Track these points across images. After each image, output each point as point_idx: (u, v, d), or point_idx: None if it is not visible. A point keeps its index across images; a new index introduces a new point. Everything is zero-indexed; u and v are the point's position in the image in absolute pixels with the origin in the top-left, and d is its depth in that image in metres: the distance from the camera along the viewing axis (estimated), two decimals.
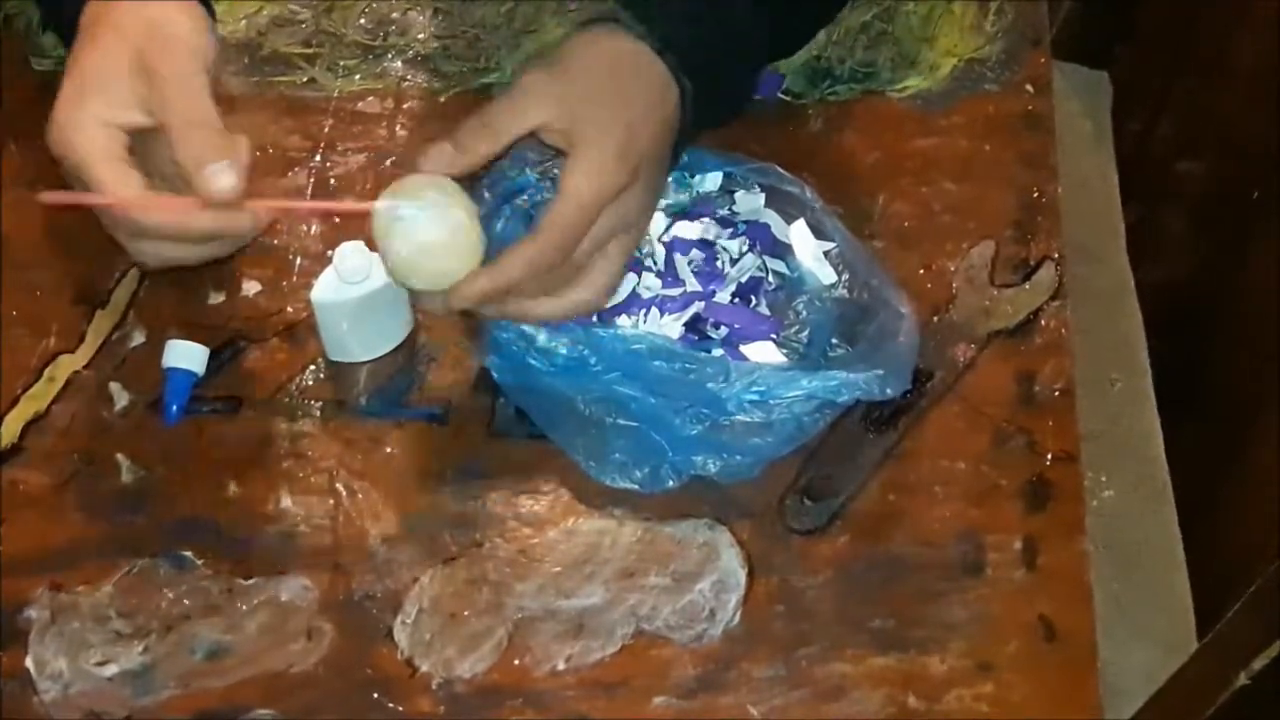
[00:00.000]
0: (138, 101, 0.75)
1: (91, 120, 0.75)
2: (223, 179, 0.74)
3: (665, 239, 0.90)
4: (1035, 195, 0.95)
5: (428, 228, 0.73)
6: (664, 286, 0.88)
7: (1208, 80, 1.21)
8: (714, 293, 0.87)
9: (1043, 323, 0.91)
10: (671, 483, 0.83)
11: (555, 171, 0.85)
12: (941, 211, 0.94)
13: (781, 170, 0.89)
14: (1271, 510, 1.02)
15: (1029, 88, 0.99)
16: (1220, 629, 0.81)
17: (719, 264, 0.88)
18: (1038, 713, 0.80)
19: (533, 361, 0.82)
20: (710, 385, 0.81)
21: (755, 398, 0.81)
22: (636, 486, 0.84)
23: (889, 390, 0.82)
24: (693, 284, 0.88)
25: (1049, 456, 0.87)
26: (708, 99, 0.81)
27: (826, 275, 0.88)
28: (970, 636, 0.81)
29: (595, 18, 0.82)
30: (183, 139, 0.74)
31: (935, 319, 0.91)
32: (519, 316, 0.79)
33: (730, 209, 0.90)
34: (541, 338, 0.81)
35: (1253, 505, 1.06)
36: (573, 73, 0.79)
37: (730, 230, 0.90)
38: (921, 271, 0.92)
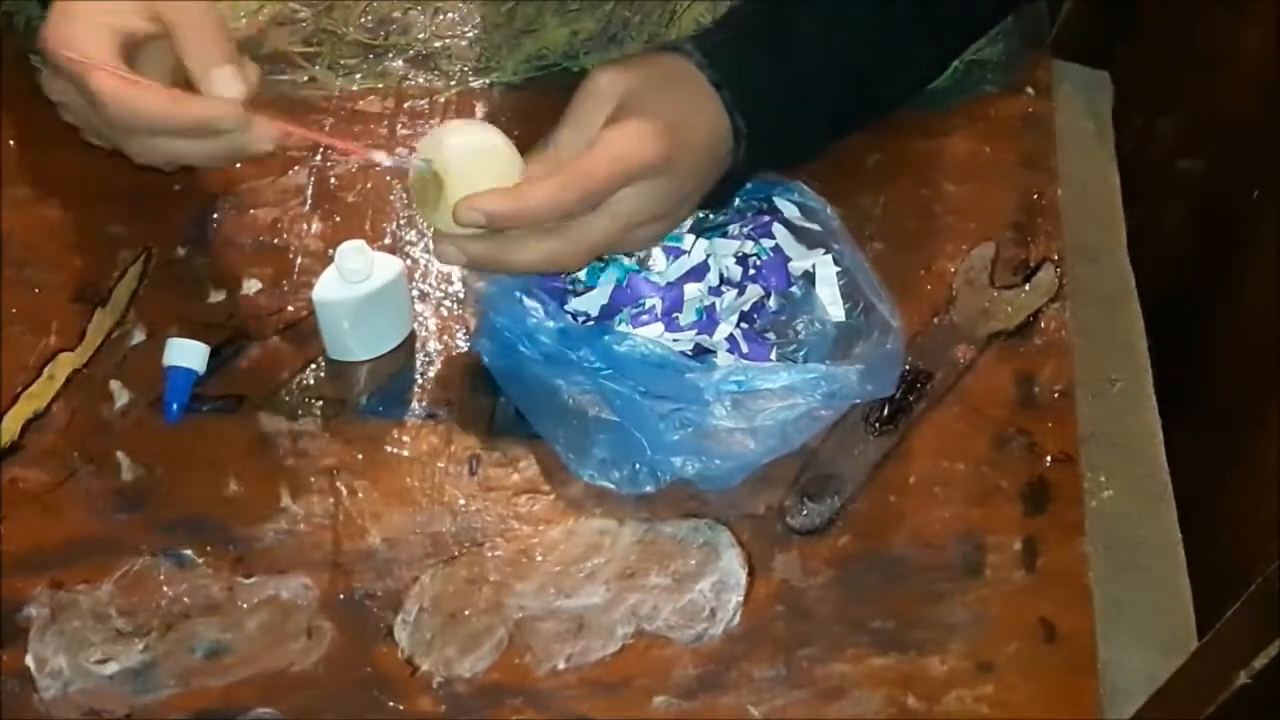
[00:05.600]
0: (138, 6, 0.77)
1: (88, 21, 0.76)
2: (232, 84, 0.76)
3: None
4: (1035, 197, 0.95)
5: (470, 149, 0.77)
6: (664, 312, 0.87)
7: (1209, 79, 1.21)
8: (716, 324, 0.87)
9: (1042, 324, 0.91)
10: (649, 486, 0.83)
11: None
12: (942, 213, 0.94)
13: (806, 187, 0.89)
14: (1272, 510, 1.02)
15: (1029, 89, 0.99)
16: (1220, 629, 0.80)
17: (720, 302, 0.88)
18: (1038, 713, 0.80)
19: (522, 349, 0.82)
20: (689, 375, 0.81)
21: (734, 388, 0.81)
22: (613, 486, 0.84)
23: (870, 388, 0.82)
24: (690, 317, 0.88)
25: (1049, 458, 0.87)
26: (763, 141, 0.83)
27: (837, 314, 0.87)
28: (970, 637, 0.81)
29: (662, 46, 0.84)
30: (193, 42, 0.76)
31: (935, 320, 0.91)
32: (500, 263, 0.79)
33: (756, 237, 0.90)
34: (531, 323, 0.82)
35: (1253, 505, 1.06)
36: (639, 73, 0.80)
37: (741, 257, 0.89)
38: (921, 273, 0.92)
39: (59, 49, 0.77)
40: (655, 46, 0.86)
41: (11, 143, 0.95)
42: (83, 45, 0.76)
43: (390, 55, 1.00)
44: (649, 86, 0.79)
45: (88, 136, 0.85)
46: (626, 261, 0.88)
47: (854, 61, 0.86)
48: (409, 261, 0.91)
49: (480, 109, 0.98)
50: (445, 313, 0.90)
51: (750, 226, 0.90)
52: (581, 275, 0.88)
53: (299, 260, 0.92)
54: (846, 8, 0.86)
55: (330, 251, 0.85)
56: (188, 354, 0.86)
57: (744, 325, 0.87)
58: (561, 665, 0.80)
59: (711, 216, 0.89)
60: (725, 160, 0.83)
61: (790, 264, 0.89)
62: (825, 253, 0.89)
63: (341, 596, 0.82)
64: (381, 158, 0.80)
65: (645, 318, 0.86)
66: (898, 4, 0.87)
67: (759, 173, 0.87)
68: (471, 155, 0.77)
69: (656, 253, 0.88)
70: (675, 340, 0.85)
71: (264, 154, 0.79)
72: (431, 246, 0.92)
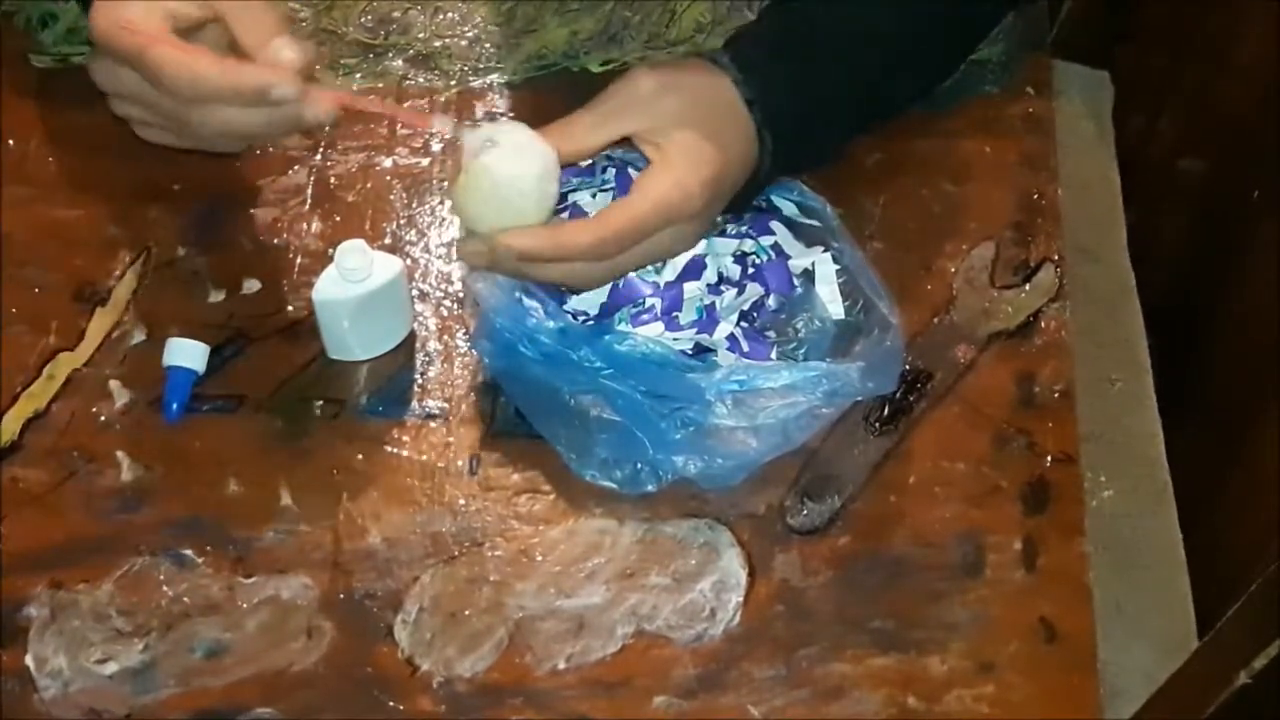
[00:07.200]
0: None
1: (137, 6, 0.77)
2: (287, 51, 0.76)
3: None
4: (1035, 197, 0.95)
5: (514, 160, 0.76)
6: (664, 311, 0.87)
7: (1209, 79, 1.21)
8: (716, 323, 0.87)
9: (1043, 324, 0.91)
10: (651, 486, 0.83)
11: (617, 152, 0.86)
12: (942, 213, 0.94)
13: (805, 186, 0.89)
14: (1272, 510, 1.01)
15: (1029, 89, 0.99)
16: (1220, 629, 0.80)
17: (720, 301, 0.88)
18: (1038, 713, 0.80)
19: (523, 350, 0.82)
20: (690, 375, 0.81)
21: (735, 388, 0.81)
22: (615, 486, 0.84)
23: (871, 386, 0.82)
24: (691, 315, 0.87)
25: (1049, 458, 0.87)
26: (784, 155, 0.84)
27: (837, 311, 0.87)
28: (970, 637, 0.81)
29: (699, 54, 0.84)
30: (246, 21, 0.77)
31: (935, 320, 0.91)
32: (522, 275, 0.81)
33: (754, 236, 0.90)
34: (531, 323, 0.82)
35: (1253, 505, 1.06)
36: (681, 90, 0.81)
37: (739, 256, 0.89)
38: (922, 273, 0.92)
39: (112, 27, 0.77)
40: (693, 54, 0.86)
41: (11, 143, 0.95)
42: (136, 23, 0.77)
43: (390, 55, 1.00)
44: (692, 122, 0.79)
45: (142, 131, 0.83)
46: None
47: (872, 69, 0.87)
48: (409, 261, 0.91)
49: (480, 109, 0.98)
50: (445, 313, 0.90)
51: (748, 225, 0.89)
52: None
53: (299, 260, 0.92)
54: (867, 14, 0.86)
55: (330, 251, 0.85)
56: (188, 354, 0.86)
57: (744, 324, 0.87)
58: (561, 665, 0.80)
59: None
60: (749, 176, 0.83)
61: (789, 262, 0.89)
62: (824, 250, 0.88)
63: (341, 596, 0.82)
64: (442, 125, 0.81)
65: (645, 317, 0.86)
66: (913, 7, 0.87)
67: (771, 181, 0.87)
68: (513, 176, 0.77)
69: None
70: (675, 339, 0.85)
71: (324, 124, 0.79)
72: (433, 246, 0.93)
